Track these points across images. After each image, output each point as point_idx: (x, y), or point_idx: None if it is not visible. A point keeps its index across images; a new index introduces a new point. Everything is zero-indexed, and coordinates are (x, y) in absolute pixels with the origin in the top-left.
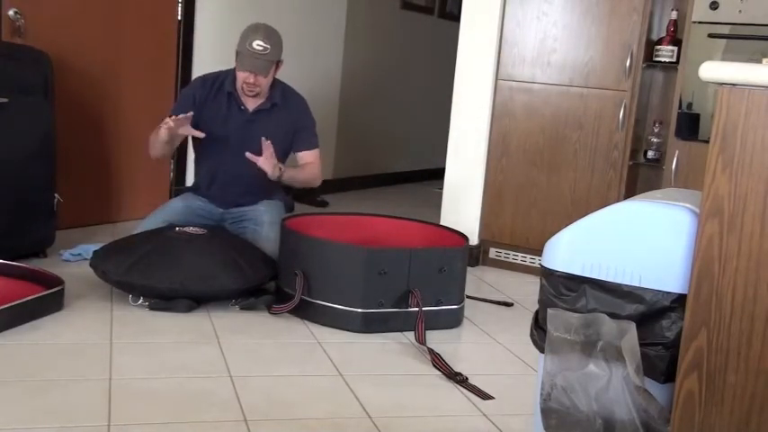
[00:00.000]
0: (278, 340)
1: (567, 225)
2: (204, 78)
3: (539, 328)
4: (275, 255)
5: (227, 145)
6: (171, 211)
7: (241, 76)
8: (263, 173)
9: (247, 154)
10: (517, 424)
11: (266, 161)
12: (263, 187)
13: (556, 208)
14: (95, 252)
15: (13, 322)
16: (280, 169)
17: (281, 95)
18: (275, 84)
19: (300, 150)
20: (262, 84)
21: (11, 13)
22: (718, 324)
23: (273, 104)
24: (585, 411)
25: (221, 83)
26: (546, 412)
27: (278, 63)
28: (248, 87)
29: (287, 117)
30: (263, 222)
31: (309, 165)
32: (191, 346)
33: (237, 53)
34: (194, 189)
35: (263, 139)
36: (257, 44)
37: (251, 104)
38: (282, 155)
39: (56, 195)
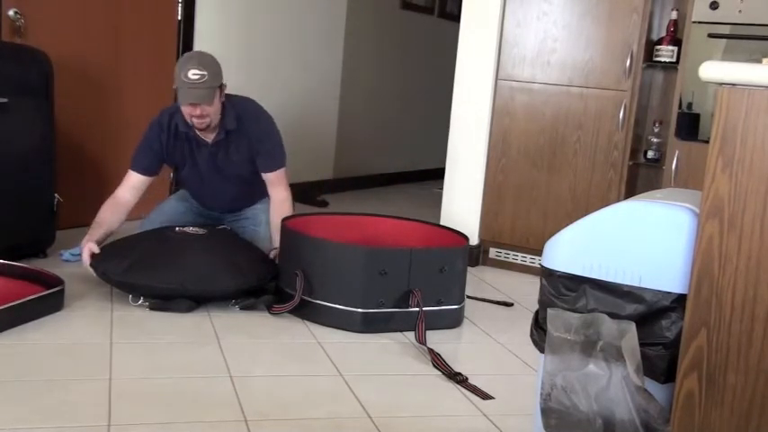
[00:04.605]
0: (278, 340)
1: (567, 225)
2: (159, 123)
3: (539, 328)
4: None
5: (202, 179)
6: (170, 211)
7: (185, 111)
8: (247, 185)
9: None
10: (517, 424)
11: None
12: (255, 193)
13: (556, 208)
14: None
15: (13, 322)
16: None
17: (235, 119)
18: (225, 109)
19: (265, 171)
20: (209, 113)
21: (11, 13)
22: (718, 324)
23: (228, 132)
24: (585, 411)
25: (176, 124)
26: (546, 412)
27: (220, 88)
28: (197, 121)
29: (246, 141)
30: (261, 222)
31: (277, 205)
32: (191, 346)
33: (176, 89)
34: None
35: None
36: (192, 73)
37: (209, 137)
38: (250, 171)
39: (56, 195)
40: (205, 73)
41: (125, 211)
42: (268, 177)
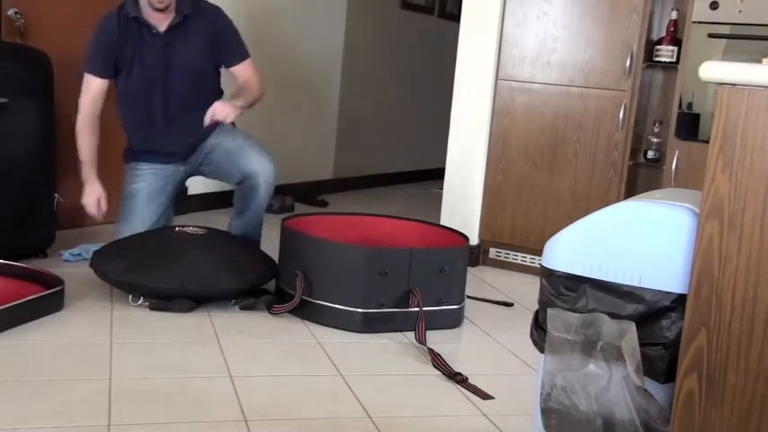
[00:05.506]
0: (278, 340)
1: (567, 225)
2: (109, 15)
3: (539, 328)
4: (267, 163)
5: (152, 81)
6: (144, 207)
7: None
8: (200, 88)
9: (206, 119)
10: (517, 424)
11: (222, 112)
12: (204, 109)
13: (556, 208)
14: (95, 252)
15: (13, 322)
16: (236, 107)
17: (191, 4)
18: None
19: (232, 65)
20: None
21: (11, 13)
22: (718, 324)
23: (186, 17)
24: (585, 411)
25: (125, 14)
26: (546, 412)
27: None
28: None
29: (204, 29)
30: (231, 150)
31: (249, 83)
32: (191, 346)
33: None
34: (136, 157)
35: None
36: None
37: (162, 24)
38: (206, 71)
39: (56, 195)
40: None
41: (98, 125)
42: (239, 71)
